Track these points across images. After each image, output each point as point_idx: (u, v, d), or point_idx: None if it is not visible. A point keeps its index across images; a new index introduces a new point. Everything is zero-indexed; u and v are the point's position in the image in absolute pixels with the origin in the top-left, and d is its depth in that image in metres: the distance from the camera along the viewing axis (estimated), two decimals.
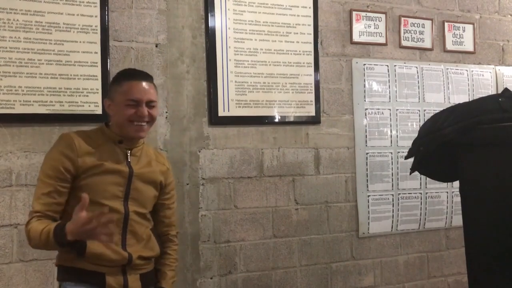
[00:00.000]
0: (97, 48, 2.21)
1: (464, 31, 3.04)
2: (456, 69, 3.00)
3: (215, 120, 2.40)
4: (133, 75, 1.72)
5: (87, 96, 2.18)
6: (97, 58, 2.20)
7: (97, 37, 2.21)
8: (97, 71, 2.20)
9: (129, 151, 1.69)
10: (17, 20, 2.09)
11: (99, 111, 2.19)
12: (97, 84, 2.20)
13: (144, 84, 1.68)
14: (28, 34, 2.10)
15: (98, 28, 2.21)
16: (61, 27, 2.16)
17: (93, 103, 2.19)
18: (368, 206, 2.75)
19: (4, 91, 2.06)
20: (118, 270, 1.63)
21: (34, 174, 2.09)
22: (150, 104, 1.67)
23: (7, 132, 2.07)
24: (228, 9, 2.46)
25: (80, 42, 2.18)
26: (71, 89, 2.16)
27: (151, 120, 1.69)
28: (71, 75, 2.16)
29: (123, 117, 1.64)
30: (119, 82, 1.69)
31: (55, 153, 1.62)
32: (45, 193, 1.58)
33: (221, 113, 2.41)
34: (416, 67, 2.90)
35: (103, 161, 1.63)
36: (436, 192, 2.91)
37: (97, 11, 2.22)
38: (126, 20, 2.29)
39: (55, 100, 2.13)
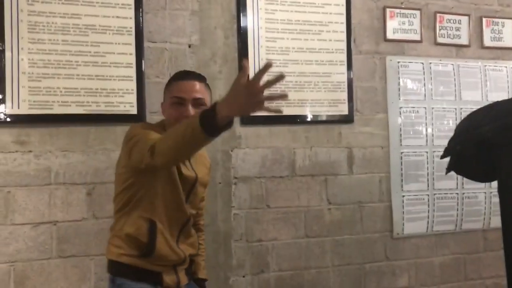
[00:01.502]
0: (132, 49, 2.25)
1: (503, 26, 2.95)
2: (494, 66, 2.92)
3: (247, 119, 2.41)
4: (183, 75, 1.70)
5: (123, 96, 2.22)
6: (132, 59, 2.24)
7: (131, 39, 2.25)
8: (132, 72, 2.24)
9: None
10: (56, 23, 2.15)
11: (134, 111, 2.23)
12: (132, 85, 2.24)
13: (192, 83, 1.63)
14: (66, 37, 2.16)
15: (133, 29, 2.25)
16: (97, 29, 2.21)
17: (128, 103, 2.23)
18: (403, 207, 2.71)
19: (44, 92, 2.12)
20: (170, 268, 1.66)
21: (72, 173, 2.15)
22: (198, 102, 1.61)
23: (46, 132, 2.14)
24: (260, 9, 2.47)
25: (116, 43, 2.23)
26: (107, 89, 2.20)
27: None
28: (107, 76, 2.21)
29: (170, 117, 1.64)
30: (170, 83, 1.70)
31: (145, 125, 1.66)
32: (152, 134, 1.52)
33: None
34: (452, 65, 2.83)
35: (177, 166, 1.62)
36: (473, 193, 2.84)
37: (131, 13, 2.26)
38: (160, 21, 2.32)
39: (92, 101, 2.18)
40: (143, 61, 2.26)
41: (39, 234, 2.11)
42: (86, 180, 2.18)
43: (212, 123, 1.27)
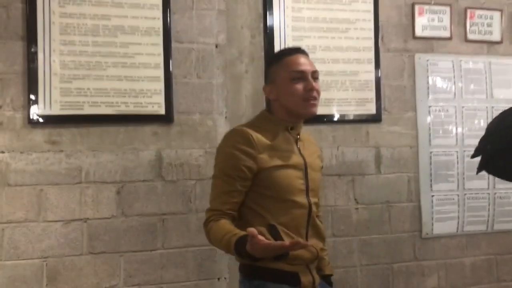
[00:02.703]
0: (160, 50, 2.27)
1: None
2: None
3: None
4: (290, 50, 1.65)
5: (151, 97, 2.25)
6: (160, 59, 2.27)
7: (159, 39, 2.27)
8: (160, 72, 2.27)
9: (298, 136, 1.63)
10: (86, 24, 2.19)
11: (162, 111, 2.26)
12: (160, 85, 2.26)
13: (305, 56, 1.62)
14: (96, 38, 2.20)
15: (161, 30, 2.28)
16: (126, 30, 2.24)
17: (156, 104, 2.26)
18: (432, 207, 2.66)
19: (74, 93, 2.17)
20: (305, 268, 1.57)
21: (102, 172, 2.20)
22: (314, 75, 1.60)
23: (77, 132, 2.19)
24: (287, 7, 2.46)
25: (144, 44, 2.25)
26: (135, 90, 2.23)
27: (319, 95, 1.61)
28: (135, 76, 2.24)
29: (293, 96, 1.56)
30: (278, 60, 1.62)
31: (233, 150, 1.51)
32: (225, 192, 1.52)
33: None
34: (484, 62, 2.77)
35: (282, 154, 1.55)
36: (505, 193, 2.77)
37: (159, 13, 2.28)
38: (187, 22, 2.34)
39: (121, 101, 2.22)
40: (170, 61, 2.28)
41: (70, 231, 2.16)
42: (115, 179, 2.22)
43: (244, 256, 1.41)
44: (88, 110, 2.18)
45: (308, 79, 1.58)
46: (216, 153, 1.61)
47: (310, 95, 1.57)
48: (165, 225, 2.26)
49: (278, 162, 1.54)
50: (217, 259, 2.32)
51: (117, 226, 2.21)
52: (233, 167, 1.51)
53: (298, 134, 1.64)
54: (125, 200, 2.22)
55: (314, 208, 1.62)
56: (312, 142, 1.76)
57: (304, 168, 1.60)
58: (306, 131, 1.77)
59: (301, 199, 1.57)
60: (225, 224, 1.48)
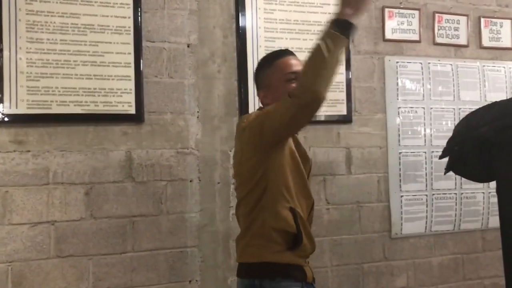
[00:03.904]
0: (131, 48, 2.24)
1: (501, 26, 2.95)
2: (493, 66, 2.92)
3: None
4: (280, 53, 1.69)
5: (121, 96, 2.22)
6: (131, 58, 2.24)
7: (130, 38, 2.25)
8: (131, 71, 2.24)
9: (296, 135, 1.67)
10: (54, 22, 2.15)
11: (132, 111, 2.23)
12: (131, 85, 2.23)
13: (295, 57, 1.67)
14: (64, 36, 2.16)
15: (132, 29, 2.25)
16: (95, 28, 2.20)
17: (126, 103, 2.23)
18: (401, 207, 2.71)
19: (42, 91, 2.12)
20: (305, 260, 1.62)
21: (70, 173, 2.15)
22: None
23: (45, 132, 2.13)
24: (259, 8, 2.47)
25: (114, 43, 2.22)
26: (105, 89, 2.20)
27: None
28: (105, 75, 2.20)
29: None
30: (270, 64, 1.66)
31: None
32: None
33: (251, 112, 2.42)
34: (451, 65, 2.84)
35: (299, 145, 1.63)
36: (472, 193, 2.84)
37: (130, 12, 2.25)
38: (159, 21, 2.32)
39: (90, 100, 2.18)
40: (141, 60, 2.26)
41: (36, 234, 2.10)
42: (84, 179, 2.17)
43: (343, 22, 1.38)
44: (56, 109, 2.13)
45: None
46: (247, 127, 1.56)
47: None
48: (135, 227, 2.23)
49: (295, 152, 1.60)
50: (188, 262, 2.30)
51: (86, 228, 2.16)
52: None
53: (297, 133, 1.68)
54: (94, 201, 2.18)
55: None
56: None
57: (310, 163, 1.70)
58: None
59: (309, 191, 1.65)
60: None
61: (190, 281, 2.30)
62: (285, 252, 1.55)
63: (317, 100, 1.38)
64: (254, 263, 1.56)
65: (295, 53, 2.44)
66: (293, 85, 1.57)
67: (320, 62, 1.36)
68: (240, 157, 1.62)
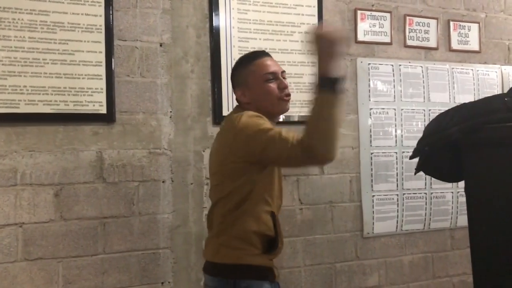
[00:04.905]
0: (102, 47, 2.21)
1: (469, 30, 3.03)
2: (461, 69, 2.99)
3: (220, 119, 2.39)
4: (258, 54, 1.73)
5: (92, 95, 2.18)
6: (102, 57, 2.20)
7: (101, 37, 2.21)
8: (102, 70, 2.20)
9: None
10: (22, 19, 2.09)
11: (103, 110, 2.19)
12: (102, 84, 2.20)
13: (271, 58, 1.72)
14: (33, 34, 2.11)
15: (103, 27, 2.21)
16: (65, 26, 2.16)
17: (97, 103, 2.19)
18: (373, 206, 2.74)
19: (9, 90, 2.06)
20: (272, 261, 1.64)
21: (39, 174, 2.10)
22: (283, 75, 1.70)
23: (12, 132, 2.08)
24: (233, 8, 2.46)
25: (85, 41, 2.18)
26: (75, 88, 2.16)
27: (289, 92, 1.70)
28: (75, 74, 2.16)
29: (269, 95, 1.64)
30: (247, 64, 1.69)
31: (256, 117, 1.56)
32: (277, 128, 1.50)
33: (225, 112, 2.40)
34: (421, 67, 2.89)
35: None
36: (441, 192, 2.90)
37: (101, 10, 2.21)
38: (131, 20, 2.29)
39: (60, 100, 2.13)
40: (113, 59, 2.22)
41: (3, 237, 2.04)
42: (54, 180, 2.13)
43: (331, 80, 1.39)
44: (24, 109, 2.08)
45: (280, 79, 1.68)
46: (242, 129, 1.53)
47: (284, 93, 1.67)
48: (106, 229, 2.20)
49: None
50: (160, 263, 2.27)
51: (55, 230, 2.12)
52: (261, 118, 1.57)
53: None
54: (64, 203, 2.14)
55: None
56: None
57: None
58: None
59: (282, 194, 1.70)
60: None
61: (162, 283, 2.28)
62: (261, 255, 1.58)
63: (329, 162, 1.42)
64: (230, 264, 1.57)
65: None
66: (272, 85, 1.65)
67: (324, 127, 1.37)
68: (223, 157, 1.60)
